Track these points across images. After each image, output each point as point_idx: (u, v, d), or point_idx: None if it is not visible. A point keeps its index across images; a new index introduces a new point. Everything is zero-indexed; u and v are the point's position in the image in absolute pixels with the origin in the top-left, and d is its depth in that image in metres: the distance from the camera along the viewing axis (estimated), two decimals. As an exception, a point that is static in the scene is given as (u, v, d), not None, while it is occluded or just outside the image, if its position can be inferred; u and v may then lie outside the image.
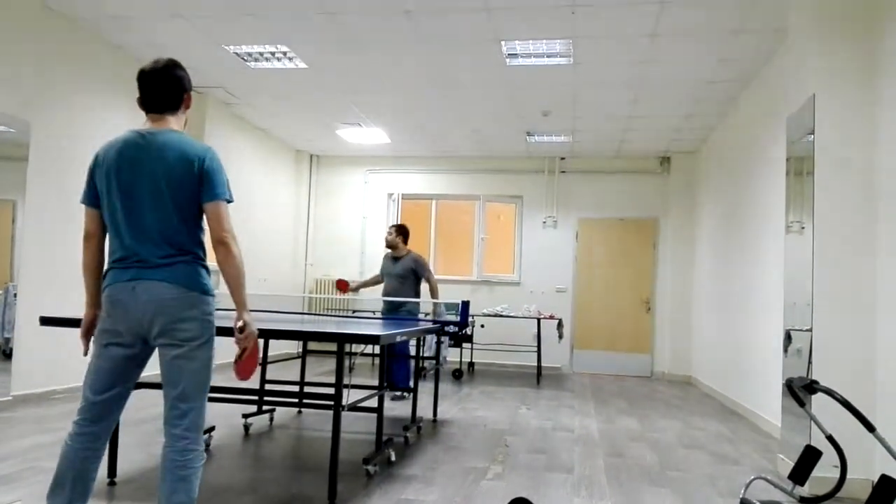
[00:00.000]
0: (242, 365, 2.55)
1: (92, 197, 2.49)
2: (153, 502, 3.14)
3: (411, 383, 6.73)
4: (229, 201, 2.48)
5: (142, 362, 2.52)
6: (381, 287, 6.94)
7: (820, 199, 3.98)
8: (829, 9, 4.04)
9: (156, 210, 2.41)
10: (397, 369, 6.57)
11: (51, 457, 3.88)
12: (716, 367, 7.93)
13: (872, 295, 3.88)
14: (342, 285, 6.77)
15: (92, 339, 2.49)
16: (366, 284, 7.10)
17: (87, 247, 2.50)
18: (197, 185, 2.43)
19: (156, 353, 2.50)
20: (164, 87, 2.50)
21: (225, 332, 3.21)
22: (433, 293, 6.69)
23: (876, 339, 3.85)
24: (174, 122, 2.53)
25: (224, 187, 2.48)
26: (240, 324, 2.45)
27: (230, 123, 8.57)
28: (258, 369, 2.61)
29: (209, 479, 3.60)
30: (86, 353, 2.50)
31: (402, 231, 6.84)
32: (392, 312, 6.60)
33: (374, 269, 10.62)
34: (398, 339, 3.61)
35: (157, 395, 6.02)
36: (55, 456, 3.89)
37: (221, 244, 2.41)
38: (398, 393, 6.73)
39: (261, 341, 3.17)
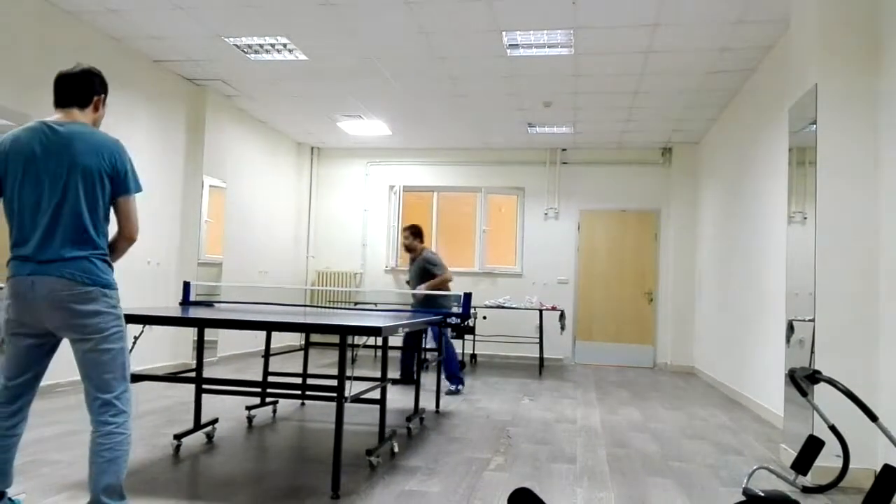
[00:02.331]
0: None
1: None
2: (154, 495, 3.15)
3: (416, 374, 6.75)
4: (138, 191, 2.58)
5: (51, 349, 2.59)
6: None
7: (822, 190, 3.97)
8: (832, -3, 4.02)
9: (62, 202, 2.44)
10: (449, 362, 6.53)
11: (55, 449, 3.90)
12: (718, 358, 7.94)
13: (875, 285, 3.87)
14: None
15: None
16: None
17: None
18: (107, 179, 2.49)
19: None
20: (75, 84, 2.56)
21: (228, 323, 3.19)
22: (436, 286, 6.55)
23: (878, 328, 3.85)
24: (81, 117, 2.57)
25: (134, 181, 2.55)
26: None
27: (230, 116, 8.56)
28: None
29: (213, 471, 3.62)
30: None
31: (415, 232, 6.79)
32: (422, 307, 6.60)
33: (376, 262, 10.74)
34: (400, 329, 3.61)
35: (156, 388, 6.06)
36: (59, 448, 3.91)
37: (129, 240, 2.55)
38: (453, 388, 6.59)
39: (259, 334, 3.18)
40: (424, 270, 6.68)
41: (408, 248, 6.81)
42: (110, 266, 2.55)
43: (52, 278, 2.40)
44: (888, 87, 3.83)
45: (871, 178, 3.92)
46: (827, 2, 4.02)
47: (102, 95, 2.65)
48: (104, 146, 2.49)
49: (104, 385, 2.47)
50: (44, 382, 5.57)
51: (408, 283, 6.89)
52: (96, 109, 2.63)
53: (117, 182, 2.51)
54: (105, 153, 2.48)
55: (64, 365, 5.84)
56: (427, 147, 10.58)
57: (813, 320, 3.96)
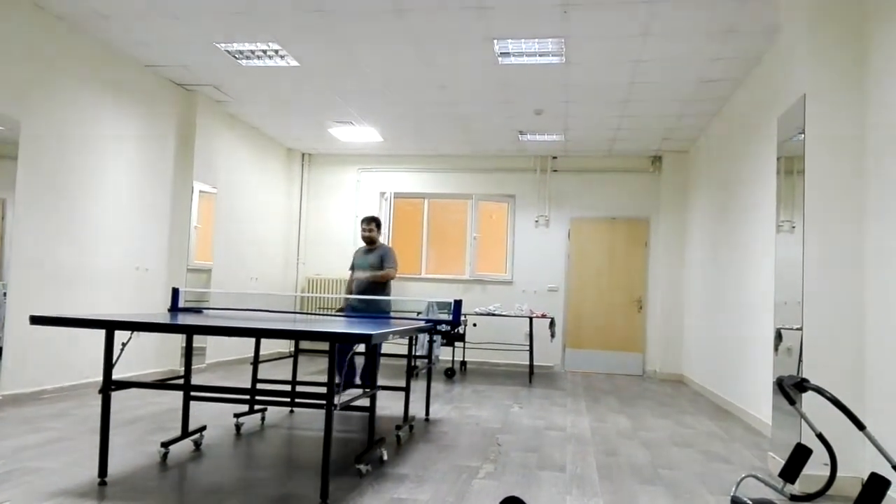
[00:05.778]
0: None
1: None
2: (144, 501, 3.12)
3: (357, 380, 6.70)
4: None
5: None
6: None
7: (810, 199, 4.00)
8: (820, 10, 4.06)
9: None
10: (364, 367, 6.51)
11: (40, 457, 3.86)
12: (707, 366, 7.97)
13: (862, 294, 3.90)
14: None
15: None
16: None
17: None
18: None
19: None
20: None
21: (217, 330, 3.19)
22: (383, 277, 6.54)
23: (865, 337, 3.88)
24: None
25: None
26: None
27: (221, 122, 8.54)
28: None
29: (201, 478, 3.59)
30: None
31: (378, 224, 6.75)
32: (368, 311, 6.46)
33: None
34: (391, 337, 3.60)
35: (147, 394, 6.02)
36: (45, 456, 3.87)
37: None
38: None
39: (248, 340, 3.13)
40: (382, 263, 6.58)
41: (371, 241, 6.70)
42: None
43: None
44: (875, 97, 3.87)
45: (858, 187, 3.95)
46: (816, 13, 4.07)
47: None
48: None
49: None
50: (29, 389, 5.55)
51: (352, 269, 6.80)
52: None
53: None
54: None
55: (50, 371, 5.80)
56: (418, 154, 10.59)
57: (801, 329, 3.99)
